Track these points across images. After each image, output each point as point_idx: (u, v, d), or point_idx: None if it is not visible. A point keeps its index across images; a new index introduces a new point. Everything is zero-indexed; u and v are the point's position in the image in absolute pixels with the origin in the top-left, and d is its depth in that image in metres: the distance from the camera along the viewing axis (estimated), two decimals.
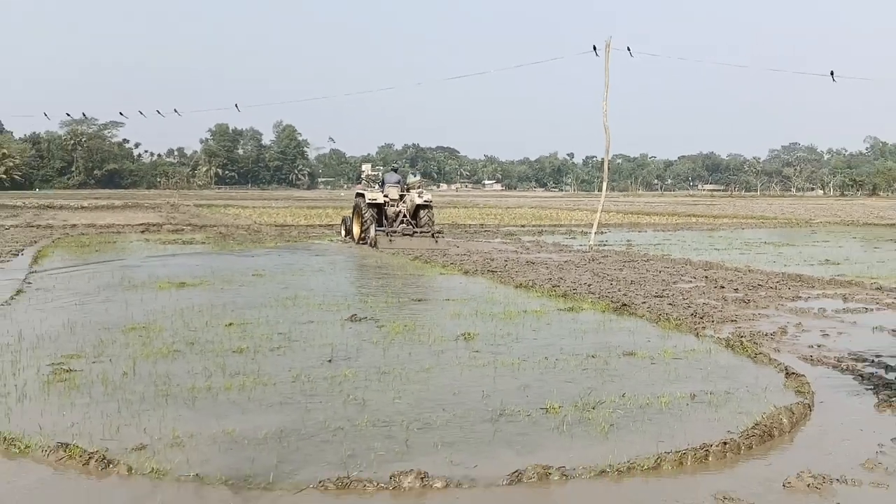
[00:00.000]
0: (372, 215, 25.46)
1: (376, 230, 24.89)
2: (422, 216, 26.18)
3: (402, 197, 26.42)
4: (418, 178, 28.91)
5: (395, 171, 28.24)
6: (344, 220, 28.99)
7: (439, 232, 26.19)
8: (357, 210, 26.76)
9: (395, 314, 11.95)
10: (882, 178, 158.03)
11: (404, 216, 26.11)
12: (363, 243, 25.56)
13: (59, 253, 22.37)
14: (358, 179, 28.02)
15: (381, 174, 27.80)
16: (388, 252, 22.83)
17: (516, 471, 5.51)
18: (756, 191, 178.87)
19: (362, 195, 26.46)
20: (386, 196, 26.07)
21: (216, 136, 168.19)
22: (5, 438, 6.09)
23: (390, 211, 26.11)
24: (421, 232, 25.29)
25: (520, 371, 8.43)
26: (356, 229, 26.73)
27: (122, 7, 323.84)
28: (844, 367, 8.80)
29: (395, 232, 24.97)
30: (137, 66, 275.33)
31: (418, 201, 26.28)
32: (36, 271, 17.41)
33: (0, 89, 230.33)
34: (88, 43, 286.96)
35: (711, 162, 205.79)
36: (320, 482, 5.32)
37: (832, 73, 32.87)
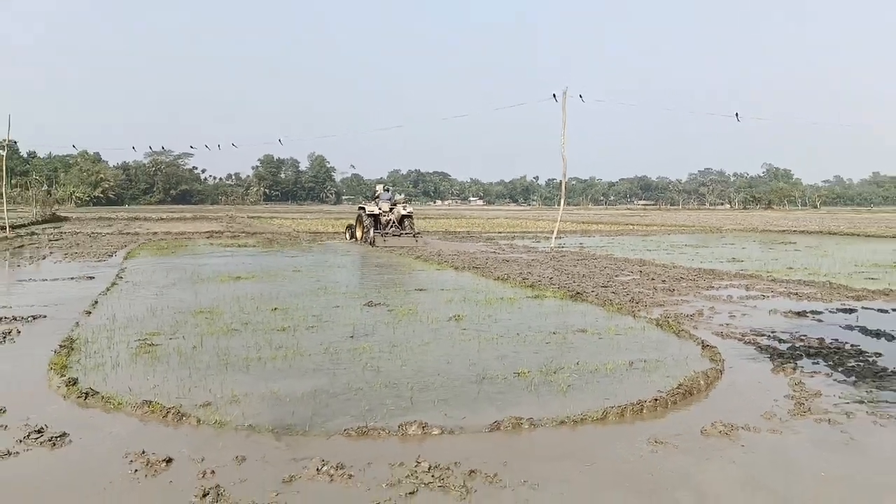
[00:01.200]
0: (371, 222, 27.46)
1: (374, 232, 26.92)
2: (405, 223, 28.15)
3: (391, 209, 28.15)
4: (403, 196, 31.72)
5: (388, 191, 30.01)
6: (349, 227, 30.48)
7: (418, 233, 28.42)
8: (360, 219, 28.65)
9: (401, 300, 11.94)
10: (775, 195, 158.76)
11: (394, 223, 27.95)
12: (365, 242, 27.23)
13: (143, 254, 22.30)
14: (373, 196, 29.26)
15: (380, 193, 29.50)
16: (396, 253, 22.80)
17: (495, 421, 5.53)
18: (679, 205, 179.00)
19: (363, 208, 28.32)
20: (380, 209, 27.88)
21: (264, 163, 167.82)
22: (103, 397, 6.09)
23: (384, 219, 27.90)
24: (405, 233, 27.45)
25: (498, 344, 8.43)
26: (359, 233, 28.62)
27: (195, 69, 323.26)
28: (747, 341, 8.82)
29: (387, 234, 27.15)
30: (204, 112, 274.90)
31: (403, 212, 28.22)
32: (126, 268, 17.36)
33: (101, 130, 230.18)
34: (167, 96, 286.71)
35: (644, 183, 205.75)
36: (345, 430, 5.33)
37: (737, 115, 33.09)
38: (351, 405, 5.98)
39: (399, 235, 27.17)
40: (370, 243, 26.35)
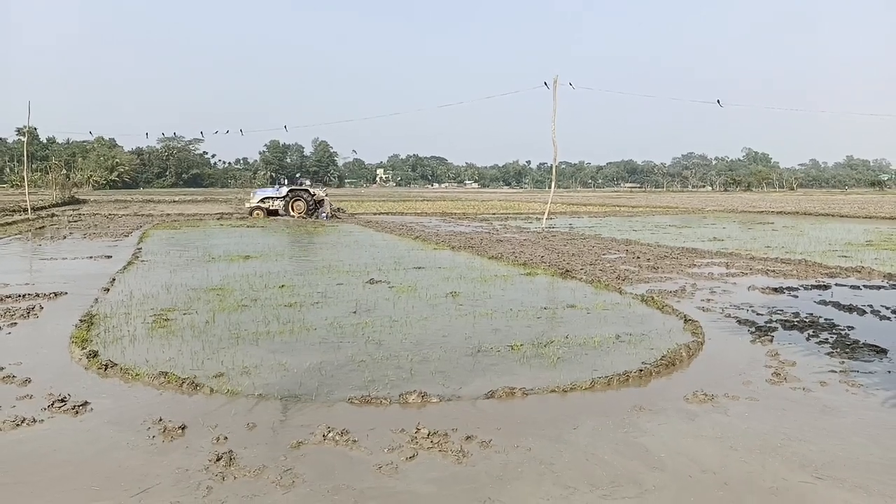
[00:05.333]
0: (315, 202, 32.73)
1: (331, 209, 33.32)
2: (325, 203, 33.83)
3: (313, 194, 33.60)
4: (310, 183, 37.39)
5: (305, 180, 37.27)
6: (258, 209, 32.77)
7: (340, 209, 35.60)
8: (300, 199, 32.52)
9: (401, 278, 11.95)
10: (754, 178, 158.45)
11: (325, 204, 33.42)
12: (307, 218, 31.69)
13: (157, 234, 22.26)
14: (296, 183, 35.91)
15: (300, 182, 35.78)
16: (396, 234, 22.77)
17: (490, 390, 5.57)
18: (663, 188, 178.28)
19: (307, 191, 33.24)
20: (312, 195, 33.24)
21: (270, 149, 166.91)
22: (122, 368, 6.11)
23: (317, 198, 33.30)
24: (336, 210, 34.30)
25: (492, 319, 8.46)
26: (296, 211, 32.29)
27: (206, 61, 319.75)
28: (727, 315, 8.86)
29: (327, 211, 33.01)
30: (213, 100, 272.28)
31: (321, 196, 33.52)
32: (141, 248, 17.34)
33: (115, 116, 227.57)
34: (179, 83, 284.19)
35: (630, 166, 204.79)
36: (349, 399, 5.36)
37: (718, 101, 32.95)
38: (354, 376, 6.01)
39: (339, 210, 34.83)
40: (328, 217, 32.18)
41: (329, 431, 4.65)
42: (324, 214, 32.56)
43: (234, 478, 4.03)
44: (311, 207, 32.48)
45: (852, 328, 8.10)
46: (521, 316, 8.65)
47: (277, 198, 33.04)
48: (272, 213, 32.65)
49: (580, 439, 4.66)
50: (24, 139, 39.62)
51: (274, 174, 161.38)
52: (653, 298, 9.72)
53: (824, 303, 9.80)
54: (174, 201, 55.10)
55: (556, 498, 3.83)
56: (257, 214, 32.44)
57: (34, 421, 4.92)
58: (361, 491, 3.89)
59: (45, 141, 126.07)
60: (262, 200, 33.06)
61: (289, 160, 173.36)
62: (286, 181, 36.19)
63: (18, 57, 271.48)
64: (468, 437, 4.62)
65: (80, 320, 8.08)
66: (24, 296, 9.89)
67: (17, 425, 4.83)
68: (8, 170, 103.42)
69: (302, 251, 16.72)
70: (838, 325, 8.23)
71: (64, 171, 66.89)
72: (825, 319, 8.59)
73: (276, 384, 5.74)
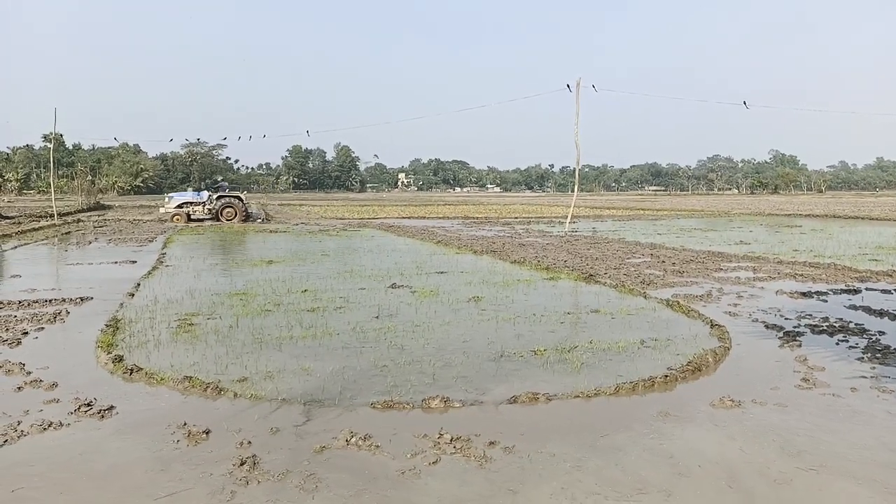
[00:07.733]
0: (247, 206, 33.19)
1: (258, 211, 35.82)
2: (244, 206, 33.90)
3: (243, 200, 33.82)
4: (228, 185, 37.98)
5: (225, 183, 37.04)
6: (177, 215, 31.94)
7: (265, 210, 38.42)
8: (230, 206, 32.38)
9: (423, 282, 11.96)
10: (781, 180, 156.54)
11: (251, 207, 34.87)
12: (244, 222, 31.75)
13: (182, 240, 22.51)
14: (216, 187, 35.55)
15: (221, 186, 35.52)
16: (417, 238, 22.81)
17: (513, 396, 5.56)
18: (688, 190, 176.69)
19: (238, 197, 33.14)
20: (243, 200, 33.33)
21: (293, 154, 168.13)
22: (147, 373, 6.19)
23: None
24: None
25: (515, 324, 8.43)
26: (227, 218, 32.05)
27: (229, 72, 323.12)
28: (755, 320, 8.75)
29: (260, 215, 34.54)
30: (236, 106, 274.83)
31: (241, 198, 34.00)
32: (165, 253, 17.55)
33: (140, 122, 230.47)
34: (202, 90, 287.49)
35: (655, 169, 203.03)
36: (372, 403, 5.38)
37: (745, 102, 32.62)
38: (377, 381, 6.03)
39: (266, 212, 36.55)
40: (265, 220, 33.09)
41: (352, 436, 4.67)
42: (259, 219, 33.15)
43: (258, 482, 4.07)
44: (244, 213, 32.57)
45: (883, 333, 7.96)
46: (545, 321, 8.62)
47: (199, 203, 32.27)
48: (192, 219, 31.90)
49: (605, 445, 4.62)
50: (51, 146, 40.41)
51: (296, 180, 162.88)
52: (678, 303, 9.63)
53: (854, 307, 9.64)
54: None
55: None
56: (177, 219, 31.58)
57: (60, 425, 5.00)
58: (384, 496, 3.90)
59: (70, 147, 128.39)
60: (180, 206, 32.19)
61: (311, 165, 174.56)
62: (223, 183, 36.00)
63: (44, 64, 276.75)
64: (491, 443, 4.61)
65: (106, 325, 8.20)
66: (50, 301, 10.06)
67: (44, 429, 4.92)
68: (35, 176, 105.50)
69: (324, 256, 16.81)
70: (869, 330, 8.10)
71: (89, 177, 67.92)
72: (855, 324, 8.45)
73: (299, 389, 5.78)
